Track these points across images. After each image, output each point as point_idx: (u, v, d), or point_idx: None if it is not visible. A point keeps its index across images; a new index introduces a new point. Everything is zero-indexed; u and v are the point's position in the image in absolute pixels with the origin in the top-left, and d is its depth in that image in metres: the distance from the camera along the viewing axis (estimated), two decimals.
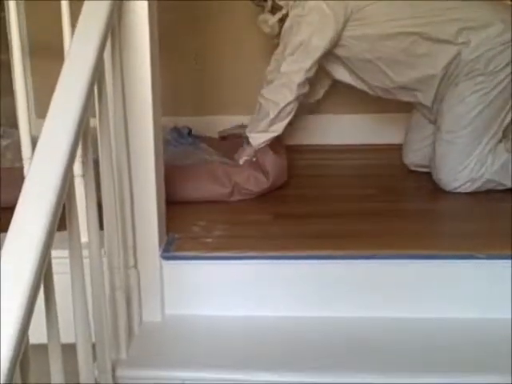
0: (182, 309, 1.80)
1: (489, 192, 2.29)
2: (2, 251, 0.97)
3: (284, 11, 2.40)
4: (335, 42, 2.31)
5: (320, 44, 2.28)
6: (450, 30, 2.24)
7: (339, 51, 2.36)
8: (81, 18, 1.35)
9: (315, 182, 2.46)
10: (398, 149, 2.60)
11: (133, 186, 1.64)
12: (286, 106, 2.30)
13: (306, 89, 2.32)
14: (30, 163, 1.51)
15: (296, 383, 1.61)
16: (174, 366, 1.63)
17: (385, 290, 1.81)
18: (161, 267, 1.77)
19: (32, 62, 2.72)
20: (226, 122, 2.80)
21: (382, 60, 2.34)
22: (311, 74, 2.31)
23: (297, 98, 2.31)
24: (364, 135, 2.89)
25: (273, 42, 2.55)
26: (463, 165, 2.26)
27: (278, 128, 2.34)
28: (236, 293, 1.81)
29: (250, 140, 2.35)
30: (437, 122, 2.36)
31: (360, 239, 1.90)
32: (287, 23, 2.33)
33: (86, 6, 1.37)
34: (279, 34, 2.43)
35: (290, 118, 2.33)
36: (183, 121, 2.72)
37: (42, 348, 1.11)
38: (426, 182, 2.37)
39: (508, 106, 2.27)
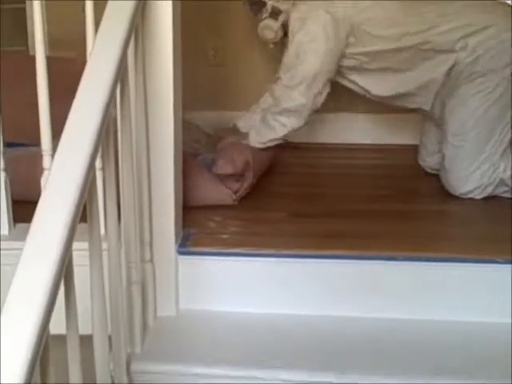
0: (196, 304, 1.82)
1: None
2: (25, 244, 0.98)
3: (285, 15, 2.41)
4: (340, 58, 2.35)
5: (329, 68, 2.33)
6: (449, 40, 2.25)
7: (340, 63, 2.38)
8: (105, 15, 1.36)
9: (331, 181, 2.46)
10: (412, 150, 2.60)
11: (151, 181, 1.65)
12: (294, 129, 2.37)
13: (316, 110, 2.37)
14: (52, 155, 1.55)
15: (307, 381, 1.61)
16: (187, 361, 1.64)
17: (395, 291, 1.81)
18: (176, 262, 1.78)
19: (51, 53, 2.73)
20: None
21: (382, 70, 2.37)
22: (323, 98, 2.35)
23: (306, 123, 2.37)
24: (379, 135, 2.90)
25: (269, 46, 2.57)
26: (473, 167, 2.26)
27: (281, 141, 2.41)
28: (250, 290, 1.82)
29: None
30: (442, 127, 2.36)
31: (374, 240, 1.91)
32: (292, 50, 2.34)
33: (110, 3, 1.38)
34: (282, 37, 2.46)
35: None
36: (200, 116, 2.73)
37: (58, 338, 1.12)
38: (441, 184, 2.36)
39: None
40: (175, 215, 1.74)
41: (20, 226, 1.77)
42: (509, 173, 2.26)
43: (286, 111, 2.35)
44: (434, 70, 2.31)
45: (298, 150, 2.83)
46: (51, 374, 0.97)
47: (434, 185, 2.38)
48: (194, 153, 2.34)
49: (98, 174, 1.43)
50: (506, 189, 2.28)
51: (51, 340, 0.97)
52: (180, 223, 1.84)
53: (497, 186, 2.28)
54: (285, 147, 2.74)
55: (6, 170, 1.74)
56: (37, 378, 0.91)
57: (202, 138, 2.56)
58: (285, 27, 2.44)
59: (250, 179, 2.22)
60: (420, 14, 2.29)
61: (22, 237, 1.01)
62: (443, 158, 2.34)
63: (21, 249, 0.99)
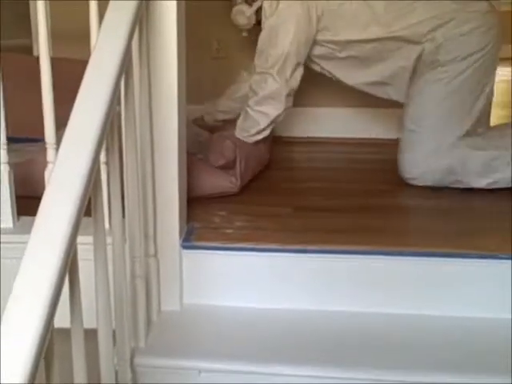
0: (200, 299, 1.81)
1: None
2: (30, 237, 0.97)
3: (260, 2, 2.41)
4: (311, 44, 2.36)
5: (299, 50, 2.32)
6: (417, 33, 2.27)
7: (311, 51, 2.39)
8: (109, 7, 1.35)
9: (334, 176, 2.46)
10: None
11: (155, 175, 1.64)
12: (276, 117, 2.35)
13: (293, 95, 2.37)
14: (57, 149, 1.55)
15: (310, 376, 1.61)
16: (191, 356, 1.64)
17: (395, 287, 1.81)
18: (180, 256, 1.78)
19: (54, 47, 2.72)
20: None
21: (352, 58, 2.38)
22: (297, 81, 2.34)
23: (286, 108, 2.35)
24: (381, 129, 2.89)
25: (241, 34, 2.62)
26: (425, 153, 2.28)
27: (268, 132, 2.39)
28: (254, 284, 1.82)
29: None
30: (403, 112, 2.39)
31: (377, 235, 1.91)
32: (264, 33, 2.35)
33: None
34: (255, 24, 2.49)
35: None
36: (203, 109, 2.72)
37: (62, 333, 1.11)
38: None
39: (473, 98, 2.28)
40: (179, 209, 1.74)
41: (24, 219, 1.76)
42: (459, 162, 2.27)
43: (264, 99, 2.34)
44: (403, 59, 2.33)
45: (298, 144, 2.84)
46: (56, 368, 0.97)
47: None
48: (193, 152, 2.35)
49: (103, 168, 1.42)
50: (455, 178, 2.29)
51: (55, 334, 0.96)
52: (184, 217, 1.83)
53: (446, 175, 2.29)
54: (284, 142, 2.76)
55: (8, 162, 1.73)
56: (41, 371, 0.90)
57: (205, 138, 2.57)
58: (259, 14, 2.44)
59: (242, 164, 2.25)
60: (390, 7, 2.30)
61: (26, 230, 1.00)
62: (399, 141, 2.37)
63: (25, 242, 0.98)
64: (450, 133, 2.28)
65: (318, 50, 2.40)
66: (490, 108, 2.38)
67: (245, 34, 2.61)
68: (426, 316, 1.78)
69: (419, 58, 2.31)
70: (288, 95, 2.34)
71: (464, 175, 2.28)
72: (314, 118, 2.93)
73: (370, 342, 1.70)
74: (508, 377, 1.54)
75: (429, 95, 2.29)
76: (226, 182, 2.20)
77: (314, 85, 2.55)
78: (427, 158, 2.28)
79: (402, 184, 2.35)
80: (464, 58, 2.23)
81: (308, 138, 2.89)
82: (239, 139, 2.35)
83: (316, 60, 2.44)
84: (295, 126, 2.90)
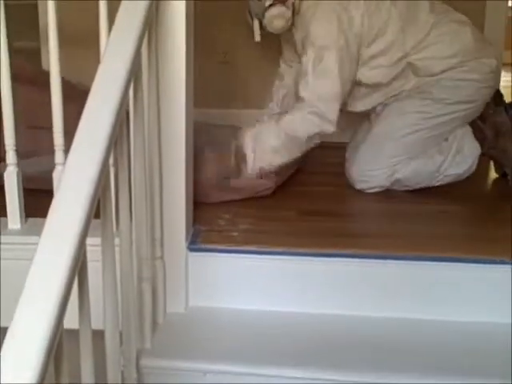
0: (205, 301, 1.82)
1: None
2: (40, 241, 0.98)
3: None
4: None
5: (352, 67, 2.23)
6: (430, 68, 2.23)
7: None
8: (119, 13, 1.37)
9: (340, 180, 2.46)
10: None
11: (163, 178, 1.66)
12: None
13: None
14: (64, 151, 1.56)
15: (317, 379, 1.61)
16: (196, 358, 1.65)
17: (401, 290, 1.82)
18: (186, 259, 1.79)
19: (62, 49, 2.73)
20: (251, 115, 2.79)
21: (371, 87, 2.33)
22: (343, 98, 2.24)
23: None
24: None
25: (254, 40, 2.43)
26: (377, 170, 2.28)
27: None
28: (260, 287, 1.83)
29: None
30: (371, 125, 2.37)
31: (385, 239, 1.91)
32: (313, 54, 2.18)
33: (124, 1, 1.39)
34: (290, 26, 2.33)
35: None
36: (210, 114, 2.73)
37: (69, 333, 1.12)
38: (449, 185, 2.36)
39: (442, 143, 2.29)
40: (186, 212, 1.75)
41: (31, 220, 1.77)
42: (408, 172, 2.28)
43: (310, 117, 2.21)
44: (406, 83, 2.28)
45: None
46: (65, 369, 0.97)
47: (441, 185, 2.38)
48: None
49: (111, 171, 1.44)
50: (401, 185, 2.32)
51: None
52: (190, 220, 1.84)
53: (394, 184, 2.31)
54: None
55: (17, 164, 1.75)
56: (50, 372, 0.91)
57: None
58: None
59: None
60: (415, 24, 2.23)
61: (34, 231, 1.02)
62: (356, 151, 2.34)
63: (32, 243, 0.99)
64: (407, 157, 2.28)
65: None
66: None
67: (258, 39, 2.40)
68: (427, 320, 1.78)
69: (400, 74, 2.26)
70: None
71: (416, 184, 2.31)
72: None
73: (373, 346, 1.70)
74: (508, 381, 1.54)
75: (404, 121, 2.27)
76: (261, 180, 2.21)
77: None
78: (379, 175, 2.29)
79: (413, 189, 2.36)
80: (451, 103, 2.22)
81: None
82: None
83: None
84: None
